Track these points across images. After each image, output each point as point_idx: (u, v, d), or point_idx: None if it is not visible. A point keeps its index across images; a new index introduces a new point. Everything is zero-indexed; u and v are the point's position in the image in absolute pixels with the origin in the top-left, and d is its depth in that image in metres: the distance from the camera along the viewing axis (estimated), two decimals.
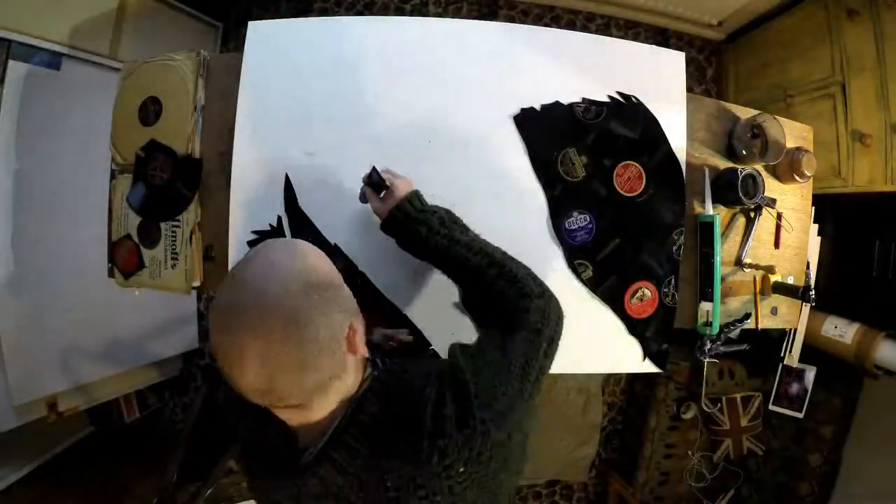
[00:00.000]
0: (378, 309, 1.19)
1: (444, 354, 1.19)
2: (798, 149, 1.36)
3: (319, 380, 0.67)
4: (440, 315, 1.19)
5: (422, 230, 0.95)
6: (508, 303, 0.87)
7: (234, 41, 2.44)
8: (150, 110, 1.28)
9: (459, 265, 0.94)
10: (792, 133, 1.39)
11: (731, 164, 1.37)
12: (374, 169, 1.00)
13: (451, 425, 0.68)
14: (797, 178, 1.35)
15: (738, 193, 1.27)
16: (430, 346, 1.21)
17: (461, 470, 0.68)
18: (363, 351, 0.73)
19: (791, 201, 1.43)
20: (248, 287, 0.65)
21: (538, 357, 0.80)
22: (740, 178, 1.27)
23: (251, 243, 1.21)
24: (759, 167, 1.34)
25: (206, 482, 1.13)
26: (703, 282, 1.32)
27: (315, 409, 0.71)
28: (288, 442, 0.75)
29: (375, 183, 1.00)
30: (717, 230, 1.27)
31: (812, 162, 1.34)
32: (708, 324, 1.30)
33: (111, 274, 1.32)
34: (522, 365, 0.77)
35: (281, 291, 0.64)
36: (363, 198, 1.04)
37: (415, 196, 0.98)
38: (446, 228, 0.95)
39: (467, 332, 1.17)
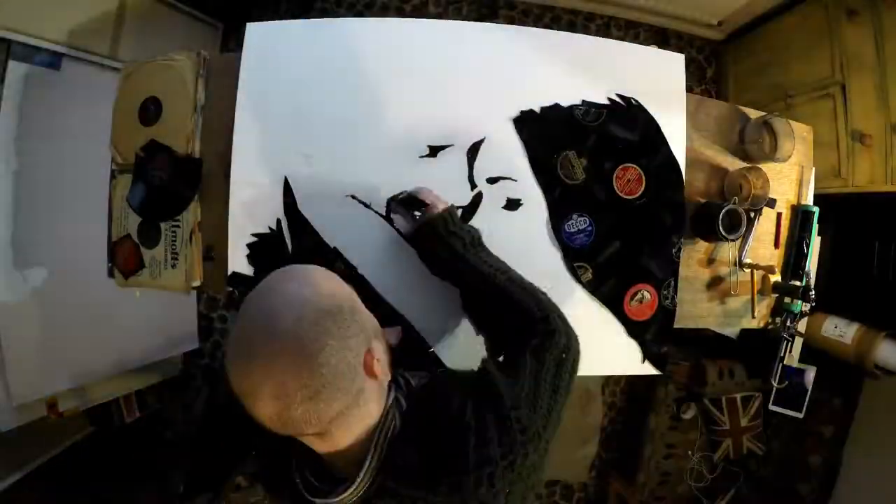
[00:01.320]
0: (377, 312, 1.19)
1: (442, 355, 1.21)
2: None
3: (337, 409, 0.65)
4: (440, 317, 1.19)
5: (443, 252, 0.99)
6: (532, 322, 0.87)
7: (234, 41, 2.43)
8: (150, 110, 1.28)
9: (480, 285, 0.96)
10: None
11: (740, 164, 1.37)
12: (413, 192, 1.04)
13: (496, 452, 0.69)
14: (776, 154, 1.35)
15: (719, 228, 1.27)
16: (430, 348, 1.21)
17: (506, 491, 0.70)
18: (384, 376, 0.72)
19: (791, 202, 1.43)
20: (258, 320, 0.64)
21: (565, 374, 0.82)
22: (721, 213, 1.26)
23: (251, 246, 1.21)
24: (757, 174, 1.35)
25: (216, 497, 1.12)
26: (796, 263, 1.39)
27: (338, 438, 0.69)
28: (318, 469, 0.74)
29: (412, 202, 1.04)
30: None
31: (787, 128, 1.35)
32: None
33: (111, 274, 1.32)
34: (552, 384, 0.79)
35: (290, 322, 0.62)
36: (390, 212, 1.08)
37: (448, 215, 1.00)
38: (473, 249, 0.99)
39: (467, 334, 1.18)
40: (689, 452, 2.46)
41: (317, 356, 0.62)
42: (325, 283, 0.70)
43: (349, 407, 0.66)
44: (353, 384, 0.66)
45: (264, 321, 0.63)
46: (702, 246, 1.36)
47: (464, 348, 1.17)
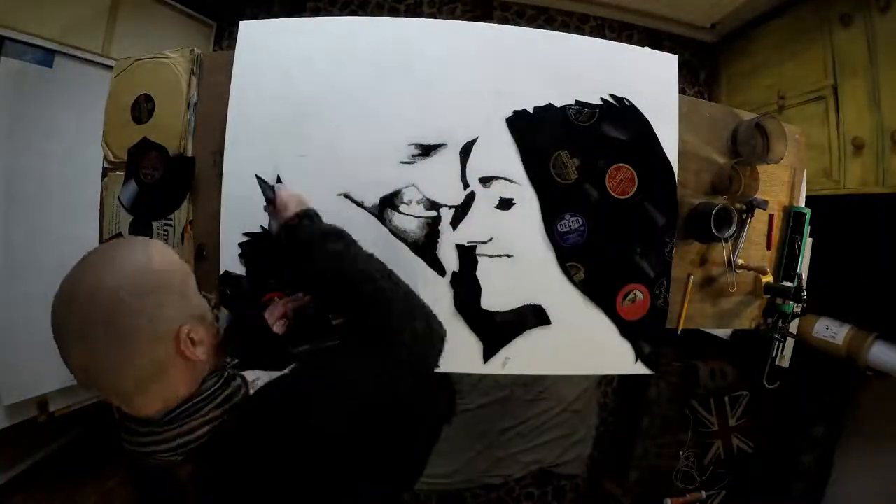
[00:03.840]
0: None
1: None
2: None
3: (137, 379, 0.68)
4: None
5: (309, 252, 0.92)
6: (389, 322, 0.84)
7: (227, 39, 2.42)
8: (143, 108, 1.28)
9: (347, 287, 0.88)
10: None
11: (731, 163, 1.38)
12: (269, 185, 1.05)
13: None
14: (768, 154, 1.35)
15: (711, 227, 1.27)
16: None
17: None
18: (197, 357, 0.72)
19: (783, 203, 1.44)
20: (69, 289, 0.68)
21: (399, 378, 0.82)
22: (713, 212, 1.27)
23: (243, 245, 1.20)
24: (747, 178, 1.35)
25: None
26: (788, 264, 1.42)
27: (137, 407, 0.71)
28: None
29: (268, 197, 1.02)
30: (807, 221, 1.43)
31: (780, 129, 1.35)
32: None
33: None
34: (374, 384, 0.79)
35: (92, 293, 0.66)
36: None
37: (306, 215, 0.96)
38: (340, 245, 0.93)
39: (455, 334, 1.18)
40: (681, 453, 2.46)
41: (118, 327, 0.66)
42: (141, 257, 0.71)
43: (150, 380, 0.69)
44: (156, 358, 0.68)
45: (69, 294, 0.68)
46: (694, 246, 1.36)
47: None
